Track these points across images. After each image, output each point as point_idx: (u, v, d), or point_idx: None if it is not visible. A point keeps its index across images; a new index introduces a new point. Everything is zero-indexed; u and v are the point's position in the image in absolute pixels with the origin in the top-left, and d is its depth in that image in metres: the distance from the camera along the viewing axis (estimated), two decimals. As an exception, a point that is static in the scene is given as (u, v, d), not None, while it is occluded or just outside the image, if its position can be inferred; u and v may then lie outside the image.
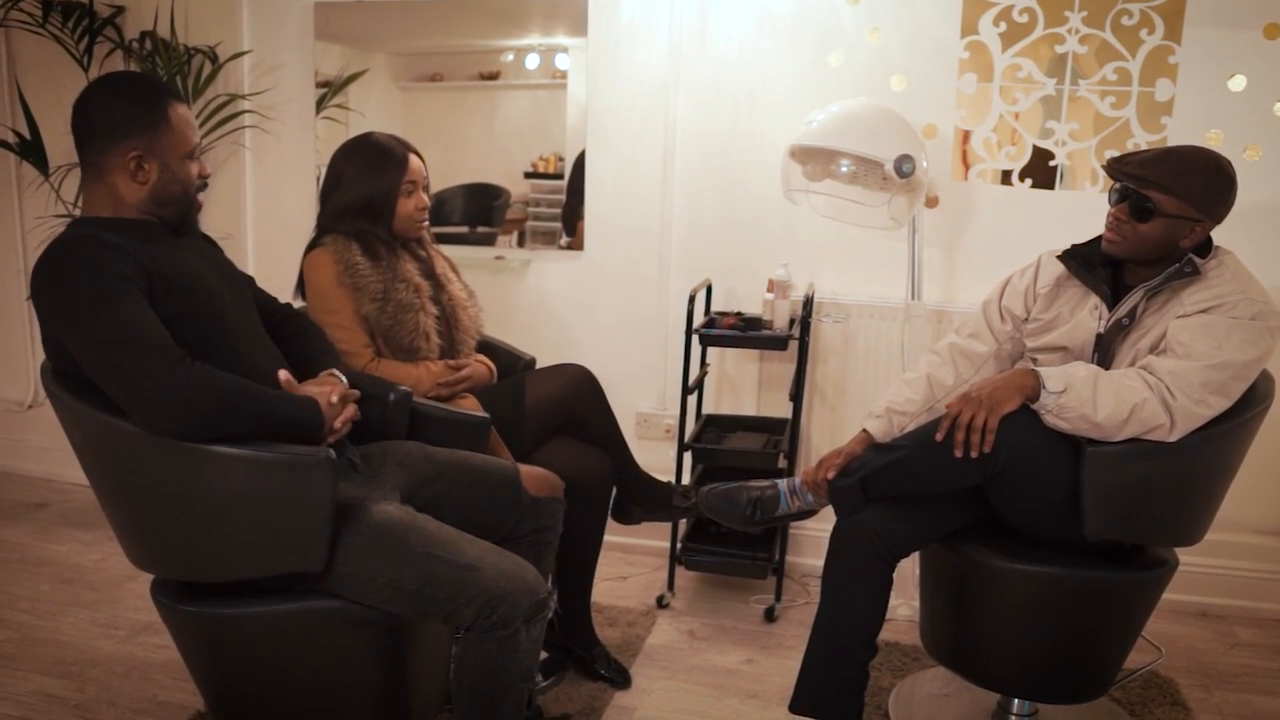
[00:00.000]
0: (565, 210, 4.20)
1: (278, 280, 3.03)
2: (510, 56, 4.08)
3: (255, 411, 2.00)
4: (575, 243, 4.25)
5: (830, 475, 2.48)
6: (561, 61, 4.06)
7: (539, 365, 3.20)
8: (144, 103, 2.06)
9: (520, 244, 4.35)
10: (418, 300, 2.73)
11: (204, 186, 2.13)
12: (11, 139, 4.35)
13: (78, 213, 2.64)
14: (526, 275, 4.29)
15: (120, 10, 4.35)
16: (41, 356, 2.19)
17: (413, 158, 2.82)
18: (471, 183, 4.29)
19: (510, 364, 3.18)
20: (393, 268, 2.73)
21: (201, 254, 2.22)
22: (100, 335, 1.92)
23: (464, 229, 4.35)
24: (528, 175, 4.21)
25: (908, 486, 2.34)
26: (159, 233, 2.12)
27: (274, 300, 2.47)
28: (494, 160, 4.25)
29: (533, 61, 4.08)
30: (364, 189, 2.76)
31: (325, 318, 2.68)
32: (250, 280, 2.42)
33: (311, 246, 2.79)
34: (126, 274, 1.96)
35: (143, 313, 1.94)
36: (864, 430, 2.57)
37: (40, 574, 3.83)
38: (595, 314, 4.25)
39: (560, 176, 4.17)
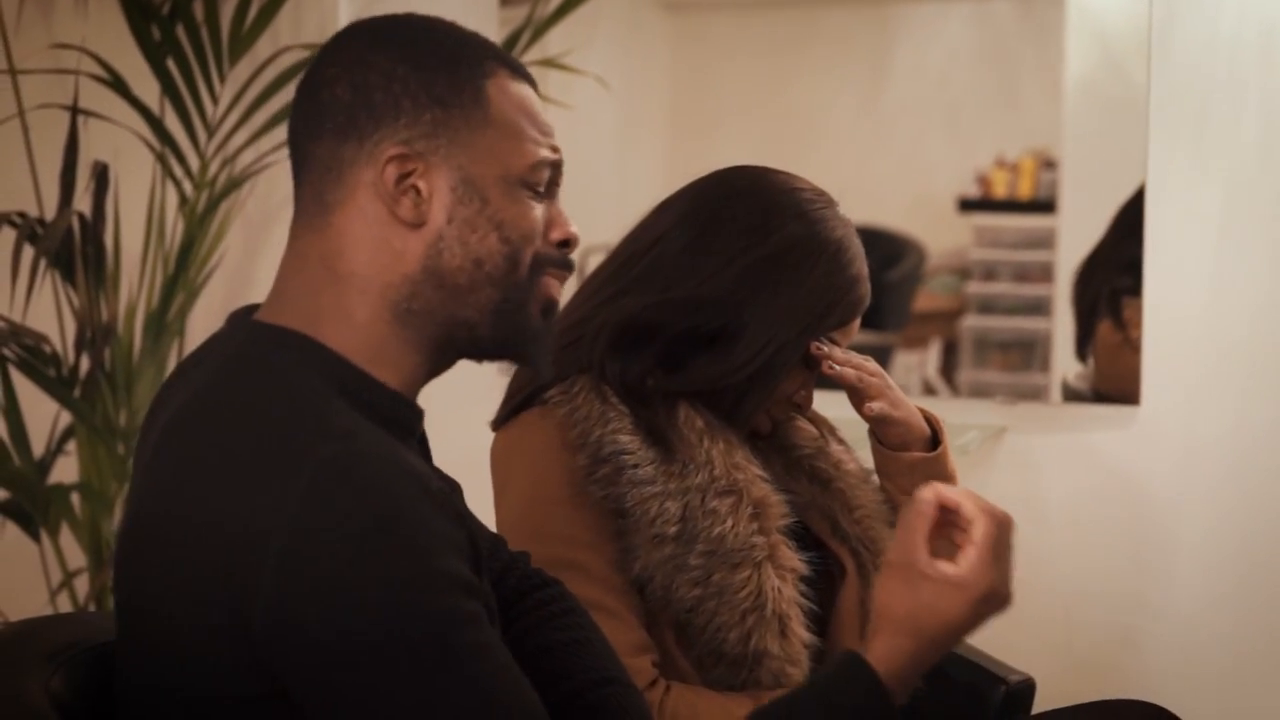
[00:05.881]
0: (1079, 292, 2.78)
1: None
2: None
3: None
4: (1110, 379, 2.73)
5: None
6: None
7: (1056, 701, 2.00)
8: (441, 60, 1.32)
9: (948, 372, 2.93)
10: (758, 538, 1.72)
11: (567, 266, 1.29)
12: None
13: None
14: (994, 466, 2.89)
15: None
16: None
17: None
18: (834, 227, 2.98)
19: (978, 693, 2.11)
20: (696, 458, 1.70)
21: None
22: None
23: (820, 335, 2.98)
24: (968, 206, 2.91)
25: None
26: (412, 424, 1.31)
27: (530, 570, 1.54)
28: (882, 171, 3.04)
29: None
30: (771, 311, 1.68)
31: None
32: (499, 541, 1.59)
33: (517, 405, 1.77)
34: (461, 570, 1.17)
35: (508, 661, 1.20)
36: None
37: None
38: (1181, 558, 2.74)
39: (1048, 207, 2.85)
